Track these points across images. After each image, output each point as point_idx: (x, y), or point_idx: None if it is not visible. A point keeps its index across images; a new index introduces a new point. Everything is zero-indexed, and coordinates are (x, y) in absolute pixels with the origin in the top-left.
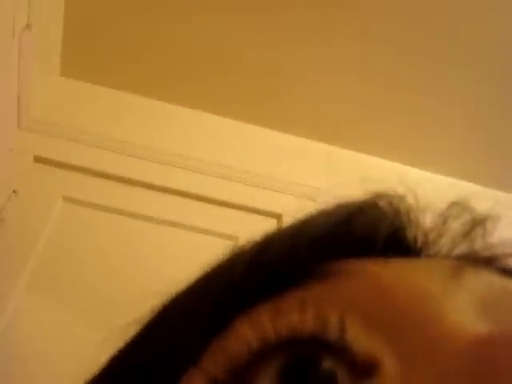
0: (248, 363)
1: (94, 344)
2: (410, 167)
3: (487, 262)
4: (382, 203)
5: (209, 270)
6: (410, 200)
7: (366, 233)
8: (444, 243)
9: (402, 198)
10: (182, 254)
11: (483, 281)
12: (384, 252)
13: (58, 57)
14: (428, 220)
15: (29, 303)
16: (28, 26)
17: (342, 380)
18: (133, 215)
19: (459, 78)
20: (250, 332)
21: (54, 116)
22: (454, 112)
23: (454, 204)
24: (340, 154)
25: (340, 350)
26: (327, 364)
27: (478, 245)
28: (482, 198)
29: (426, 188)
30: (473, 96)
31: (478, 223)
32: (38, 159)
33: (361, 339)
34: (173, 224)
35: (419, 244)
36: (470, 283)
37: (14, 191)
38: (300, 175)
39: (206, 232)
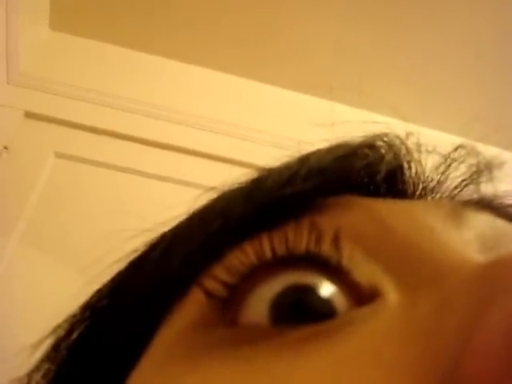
0: (245, 278)
1: (84, 288)
2: (410, 124)
3: (491, 207)
4: (382, 144)
5: (204, 204)
6: (412, 143)
7: (365, 171)
8: (446, 187)
9: (402, 140)
10: (173, 208)
11: (485, 221)
12: (382, 194)
13: (48, 10)
14: (430, 163)
15: (22, 255)
16: None
17: (340, 305)
18: (125, 170)
19: (459, 32)
20: (248, 248)
21: (45, 70)
22: (453, 67)
23: (459, 147)
24: (331, 108)
25: (337, 274)
26: (324, 289)
27: (483, 191)
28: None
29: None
30: (473, 52)
31: (484, 168)
32: (29, 115)
33: (358, 263)
34: (164, 178)
35: (419, 187)
36: (472, 222)
37: (4, 147)
38: (288, 129)
39: (196, 186)
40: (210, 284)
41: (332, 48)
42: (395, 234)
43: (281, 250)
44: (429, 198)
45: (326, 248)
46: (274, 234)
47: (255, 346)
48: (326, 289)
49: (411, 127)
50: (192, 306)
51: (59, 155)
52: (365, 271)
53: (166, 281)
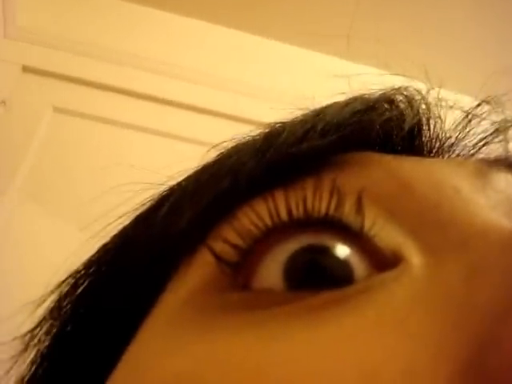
0: (257, 242)
1: (85, 244)
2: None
3: None
4: (401, 98)
5: (214, 158)
6: (432, 97)
7: (384, 128)
8: (467, 145)
9: (422, 95)
10: (176, 165)
11: (511, 184)
12: (398, 151)
13: None
14: (450, 120)
15: (22, 210)
16: None
17: (358, 271)
18: (125, 125)
19: None
20: (262, 209)
21: (42, 24)
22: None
23: (482, 103)
24: (335, 64)
25: (357, 238)
26: (341, 251)
27: (509, 150)
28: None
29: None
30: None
31: (510, 126)
32: (27, 69)
33: (381, 228)
34: (164, 134)
35: (437, 145)
36: (498, 183)
37: (2, 102)
38: (302, 87)
39: (195, 142)
40: (220, 247)
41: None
42: (419, 194)
43: (298, 212)
44: (446, 156)
45: (348, 212)
46: (291, 193)
47: (269, 311)
48: (344, 251)
49: (431, 84)
50: (201, 269)
51: (58, 110)
52: (387, 235)
53: (173, 239)
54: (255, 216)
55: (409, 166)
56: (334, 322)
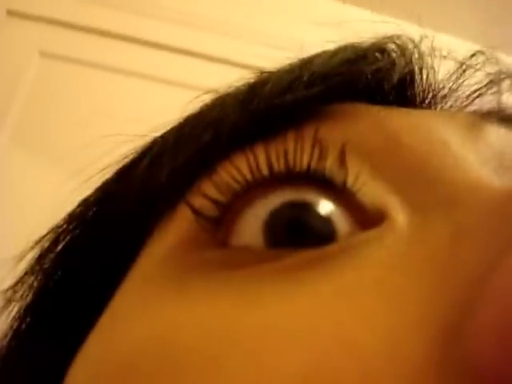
0: (237, 197)
1: (73, 194)
2: (424, 28)
3: (509, 120)
4: (393, 47)
5: (197, 109)
6: (425, 46)
7: (374, 78)
8: (460, 96)
9: (416, 44)
10: (166, 110)
11: (504, 137)
12: (389, 102)
13: None
14: (443, 70)
15: (9, 157)
16: None
17: (341, 228)
18: (112, 69)
19: None
20: (242, 163)
21: None
22: None
23: (477, 53)
24: (338, 8)
25: (340, 194)
26: (324, 208)
27: (502, 102)
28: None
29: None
30: None
31: (504, 78)
32: (11, 12)
33: (365, 183)
34: (154, 78)
35: (429, 96)
36: (491, 137)
37: None
38: (291, 29)
39: (190, 87)
40: (200, 202)
41: None
42: (406, 148)
43: (279, 165)
44: (438, 107)
45: (331, 165)
46: (272, 146)
47: (247, 271)
48: (327, 207)
49: (425, 31)
50: (180, 225)
51: (44, 55)
52: (371, 191)
53: (153, 194)
54: (235, 170)
55: (397, 118)
56: (312, 285)
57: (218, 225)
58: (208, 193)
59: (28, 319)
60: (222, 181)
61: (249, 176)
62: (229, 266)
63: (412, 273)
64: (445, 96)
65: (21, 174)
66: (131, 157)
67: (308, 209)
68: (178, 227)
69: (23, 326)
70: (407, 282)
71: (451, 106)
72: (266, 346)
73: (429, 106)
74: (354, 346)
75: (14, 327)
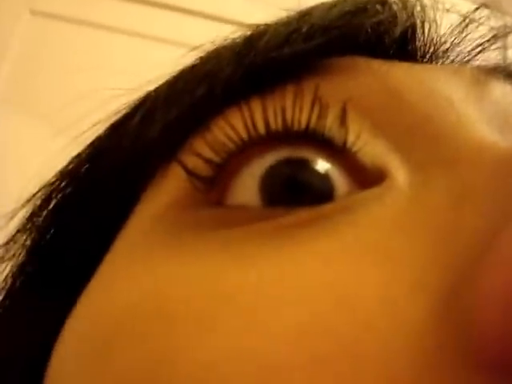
0: (233, 156)
1: (65, 151)
2: None
3: None
4: None
5: (191, 63)
6: None
7: (375, 31)
8: (463, 51)
9: None
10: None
11: (510, 94)
12: (389, 57)
13: None
14: (446, 24)
15: (2, 114)
16: None
17: (339, 187)
18: (104, 27)
19: None
20: (236, 120)
21: None
22: None
23: (481, 7)
24: None
25: (340, 154)
26: (322, 167)
27: (506, 57)
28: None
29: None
30: None
31: (509, 32)
32: None
33: (366, 142)
34: (146, 36)
35: (431, 50)
36: (495, 94)
37: None
38: None
39: (178, 44)
40: (193, 162)
41: None
42: (409, 106)
43: (277, 124)
44: (440, 62)
45: (331, 124)
46: (269, 103)
47: (242, 230)
48: (326, 166)
49: None
50: (173, 185)
51: (34, 12)
52: (372, 150)
53: (144, 151)
54: (230, 129)
55: (399, 73)
56: (309, 244)
57: (213, 184)
58: (202, 152)
59: (22, 278)
60: (216, 140)
61: (244, 135)
62: (223, 224)
63: (411, 236)
64: (447, 50)
65: (13, 132)
66: (124, 112)
67: (306, 166)
68: (171, 186)
69: (17, 284)
70: (405, 243)
71: (453, 61)
72: (260, 303)
73: (430, 61)
74: (350, 304)
75: (7, 286)
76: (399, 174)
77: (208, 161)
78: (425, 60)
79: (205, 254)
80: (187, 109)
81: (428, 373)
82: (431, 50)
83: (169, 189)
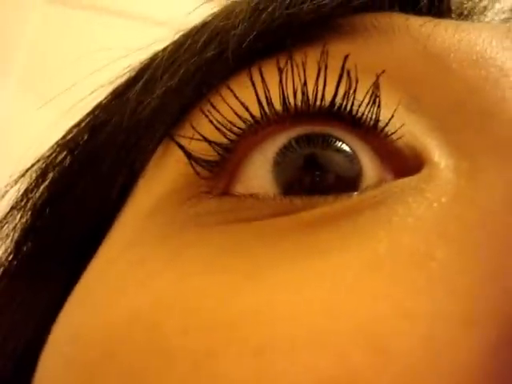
0: (242, 138)
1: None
2: None
3: None
4: None
5: (203, 19)
6: None
7: None
8: (503, 9)
9: None
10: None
11: None
12: (425, 14)
13: None
14: None
15: (19, 100)
16: None
17: (368, 173)
18: (119, 14)
19: None
20: (247, 94)
21: None
22: None
23: None
24: None
25: (370, 135)
26: (348, 147)
27: None
28: None
29: None
30: None
31: None
32: None
33: (402, 122)
34: (163, 24)
35: (470, 6)
36: None
37: None
38: None
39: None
40: (195, 144)
41: None
42: (455, 75)
43: (296, 99)
44: (476, 21)
45: (361, 101)
46: (287, 73)
47: (256, 227)
48: (352, 146)
49: None
50: (172, 171)
51: (49, 1)
52: (409, 132)
53: (141, 126)
54: (240, 105)
55: (443, 35)
56: (337, 256)
57: (218, 170)
58: (205, 133)
59: (19, 256)
60: (222, 117)
61: (256, 112)
62: (232, 219)
63: (460, 246)
64: (485, 8)
65: (29, 120)
66: (127, 76)
67: (328, 146)
68: (169, 172)
69: (13, 264)
70: (454, 259)
71: (492, 20)
72: (274, 344)
73: (466, 19)
74: (386, 351)
75: (3, 266)
76: (441, 160)
77: (213, 143)
78: (461, 18)
79: (210, 263)
80: (191, 75)
81: None
82: (469, 5)
83: (166, 178)
